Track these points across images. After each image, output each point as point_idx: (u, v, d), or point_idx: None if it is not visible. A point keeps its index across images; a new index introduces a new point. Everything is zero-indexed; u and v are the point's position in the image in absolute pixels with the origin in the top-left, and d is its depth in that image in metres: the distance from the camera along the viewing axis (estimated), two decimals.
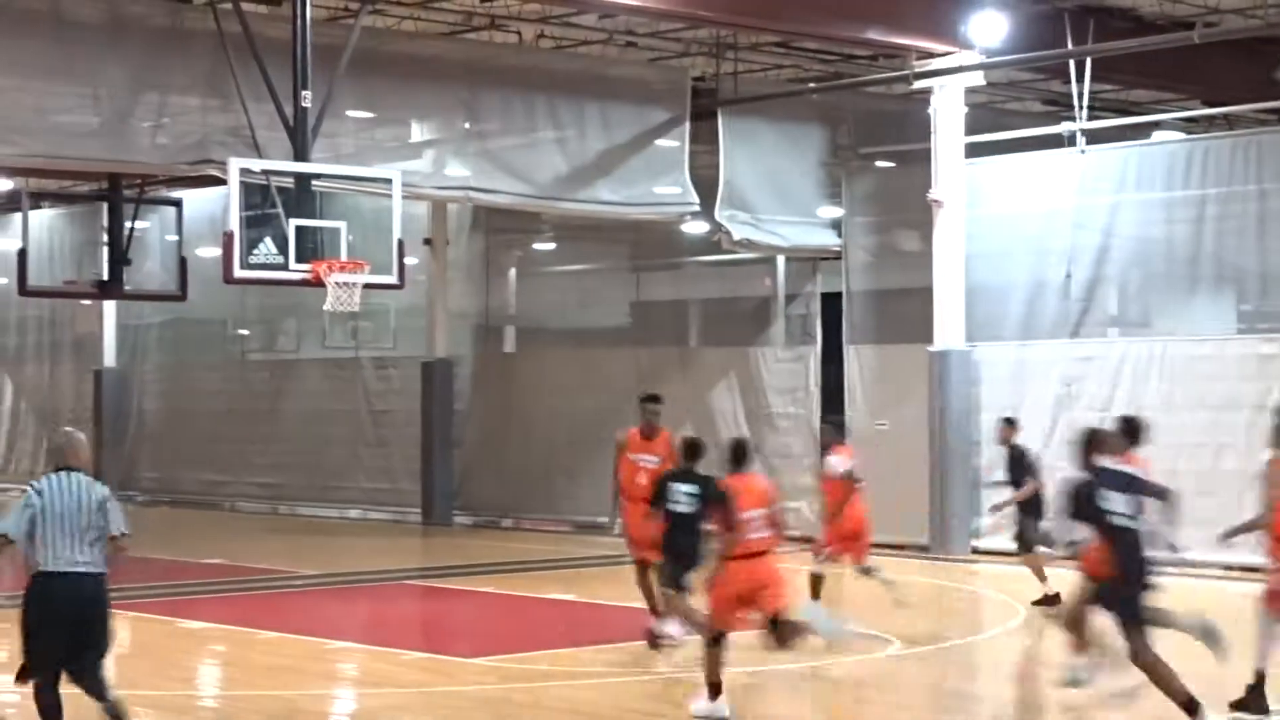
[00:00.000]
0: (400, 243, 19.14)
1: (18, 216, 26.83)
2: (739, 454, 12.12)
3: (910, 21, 22.10)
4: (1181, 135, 24.61)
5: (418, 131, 23.71)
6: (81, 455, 10.34)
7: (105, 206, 25.71)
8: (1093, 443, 11.25)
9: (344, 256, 18.45)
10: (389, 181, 19.40)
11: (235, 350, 33.62)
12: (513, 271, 30.64)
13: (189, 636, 16.34)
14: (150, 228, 28.02)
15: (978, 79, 22.91)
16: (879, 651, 14.71)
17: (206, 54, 19.90)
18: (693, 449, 12.82)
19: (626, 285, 29.13)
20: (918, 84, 22.84)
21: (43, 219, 30.86)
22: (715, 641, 11.67)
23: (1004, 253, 22.99)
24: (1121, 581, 10.97)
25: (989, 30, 21.75)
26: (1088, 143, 22.66)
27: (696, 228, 25.79)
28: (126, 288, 25.58)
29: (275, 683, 13.88)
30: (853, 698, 13.52)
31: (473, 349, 29.59)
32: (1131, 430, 13.54)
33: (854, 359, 24.33)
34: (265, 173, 18.47)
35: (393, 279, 19.20)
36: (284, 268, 18.20)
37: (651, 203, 24.23)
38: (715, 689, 11.65)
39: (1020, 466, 17.68)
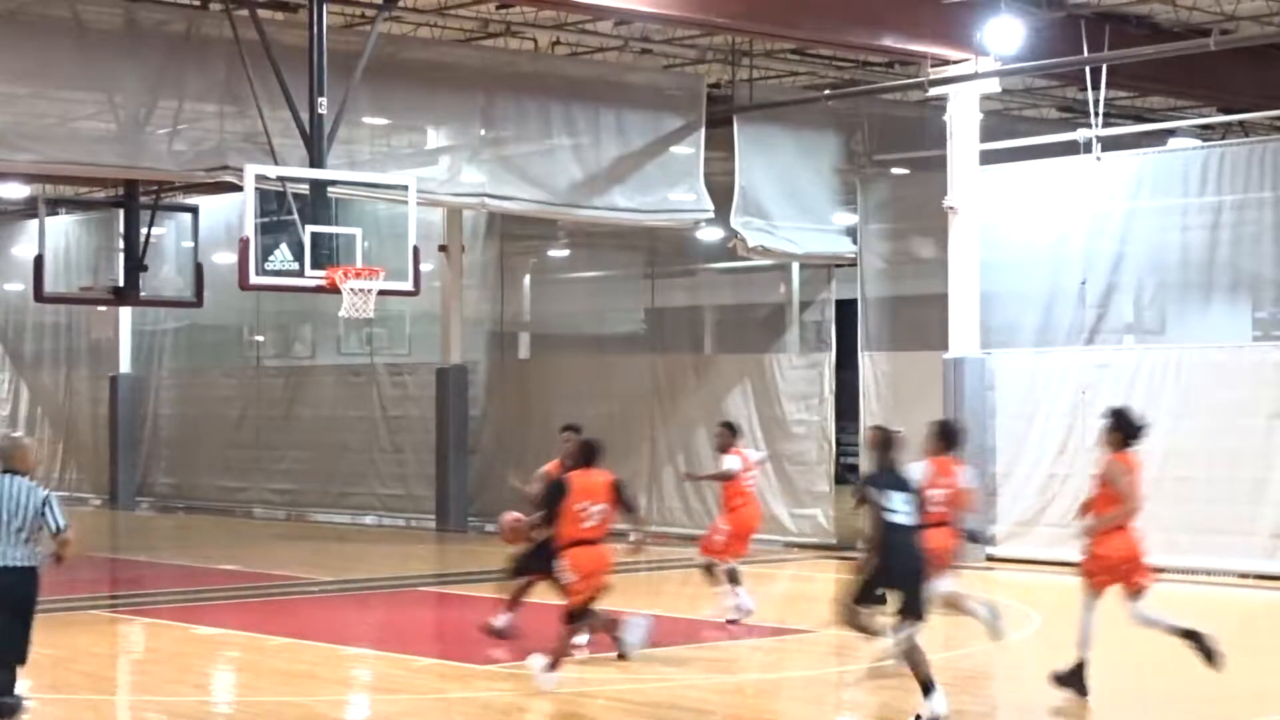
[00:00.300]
0: (416, 249, 19.16)
1: (34, 223, 26.97)
2: (587, 453, 13.41)
3: (926, 28, 22.09)
4: (1197, 142, 24.57)
5: (433, 138, 23.76)
6: (27, 460, 11.28)
7: (121, 213, 25.81)
8: (884, 443, 12.22)
9: (359, 263, 18.48)
10: (405, 188, 19.43)
11: (250, 356, 33.67)
12: (528, 278, 30.65)
13: (204, 642, 16.35)
14: (166, 234, 28.08)
15: (993, 86, 22.91)
16: (890, 660, 14.68)
17: (223, 61, 19.96)
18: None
19: (641, 292, 29.14)
20: (933, 91, 22.83)
21: (59, 225, 30.92)
22: (574, 619, 13.07)
23: (1019, 260, 22.96)
24: (887, 573, 11.79)
25: (1004, 37, 21.72)
26: (1103, 150, 22.63)
27: (711, 234, 25.80)
28: (142, 294, 25.66)
29: (290, 689, 13.89)
30: (863, 706, 13.51)
31: (487, 355, 29.60)
32: (948, 434, 14.64)
33: (869, 366, 24.32)
34: (281, 179, 18.50)
35: (408, 285, 19.23)
36: (299, 274, 18.23)
37: (666, 209, 24.25)
38: (555, 663, 13.08)
39: None
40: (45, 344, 36.71)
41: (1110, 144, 22.90)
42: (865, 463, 12.31)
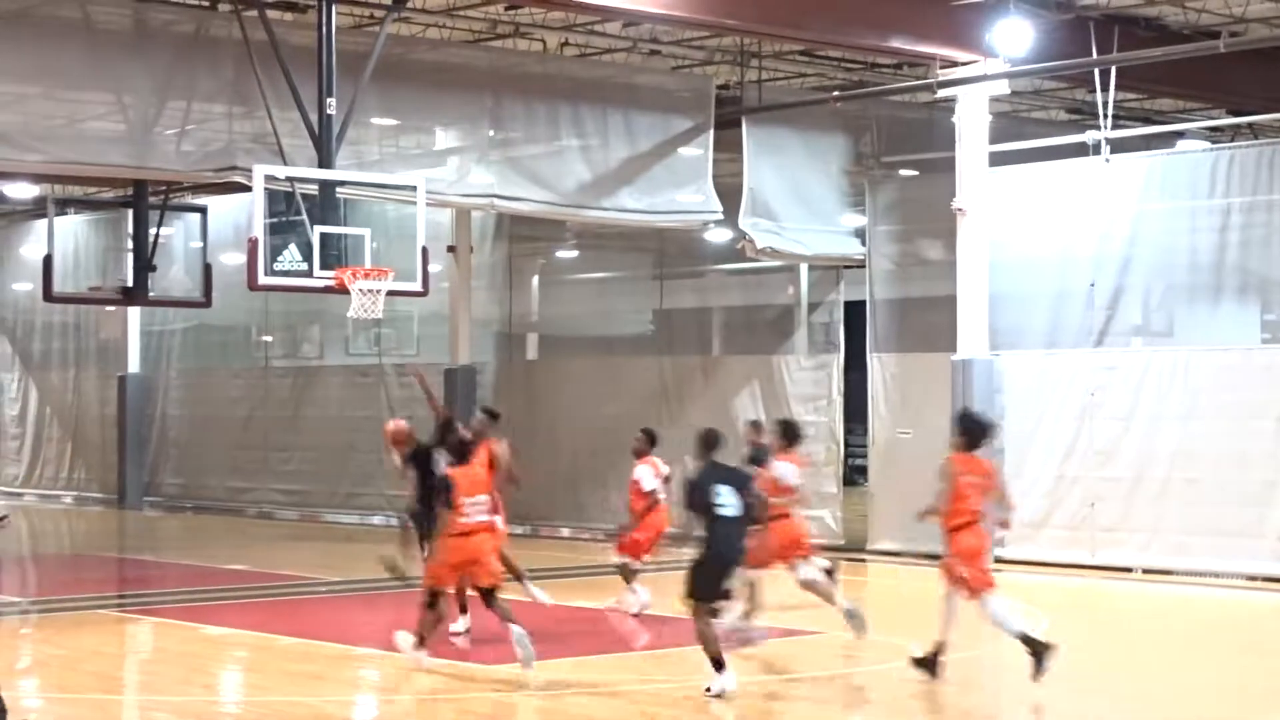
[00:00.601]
0: (424, 250, 19.16)
1: (43, 223, 27.00)
2: (460, 450, 14.31)
3: (934, 30, 22.08)
4: (1206, 144, 24.55)
5: (442, 139, 23.77)
6: None
7: (130, 213, 25.87)
8: (709, 442, 13.14)
9: (368, 263, 18.49)
10: (413, 189, 19.45)
11: (259, 357, 33.68)
12: (536, 279, 30.66)
13: (212, 642, 16.36)
14: (175, 234, 28.14)
15: (1002, 88, 22.89)
16: (899, 661, 14.68)
17: (232, 61, 19.99)
18: (455, 447, 14.61)
19: (649, 293, 29.14)
20: (942, 93, 22.82)
21: (68, 225, 30.97)
22: (432, 603, 13.84)
23: (1028, 262, 22.93)
24: (711, 564, 12.81)
25: (1013, 39, 21.70)
26: (1112, 152, 22.62)
27: (720, 236, 25.79)
28: (151, 294, 25.72)
29: (298, 689, 13.90)
30: (871, 707, 13.50)
31: (495, 356, 29.61)
32: (788, 432, 16.03)
33: (877, 367, 24.30)
34: (290, 180, 18.52)
35: (416, 286, 19.24)
36: (308, 274, 18.25)
37: (675, 210, 24.25)
38: (422, 640, 13.95)
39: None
40: (54, 344, 36.75)
41: (1119, 146, 22.89)
42: (692, 461, 13.74)
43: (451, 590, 14.34)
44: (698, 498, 12.85)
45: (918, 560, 22.13)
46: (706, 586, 12.81)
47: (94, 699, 13.51)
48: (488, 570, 13.89)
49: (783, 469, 15.64)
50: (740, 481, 13.03)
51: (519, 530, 27.13)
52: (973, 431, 13.74)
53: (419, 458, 16.30)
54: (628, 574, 17.31)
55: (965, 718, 12.49)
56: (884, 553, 23.36)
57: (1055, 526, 21.81)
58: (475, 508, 13.84)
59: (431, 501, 14.85)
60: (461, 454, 14.28)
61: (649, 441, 17.61)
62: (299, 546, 26.55)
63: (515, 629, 13.43)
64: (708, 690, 12.68)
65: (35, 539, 30.22)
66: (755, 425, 17.75)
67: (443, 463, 15.08)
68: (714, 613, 12.91)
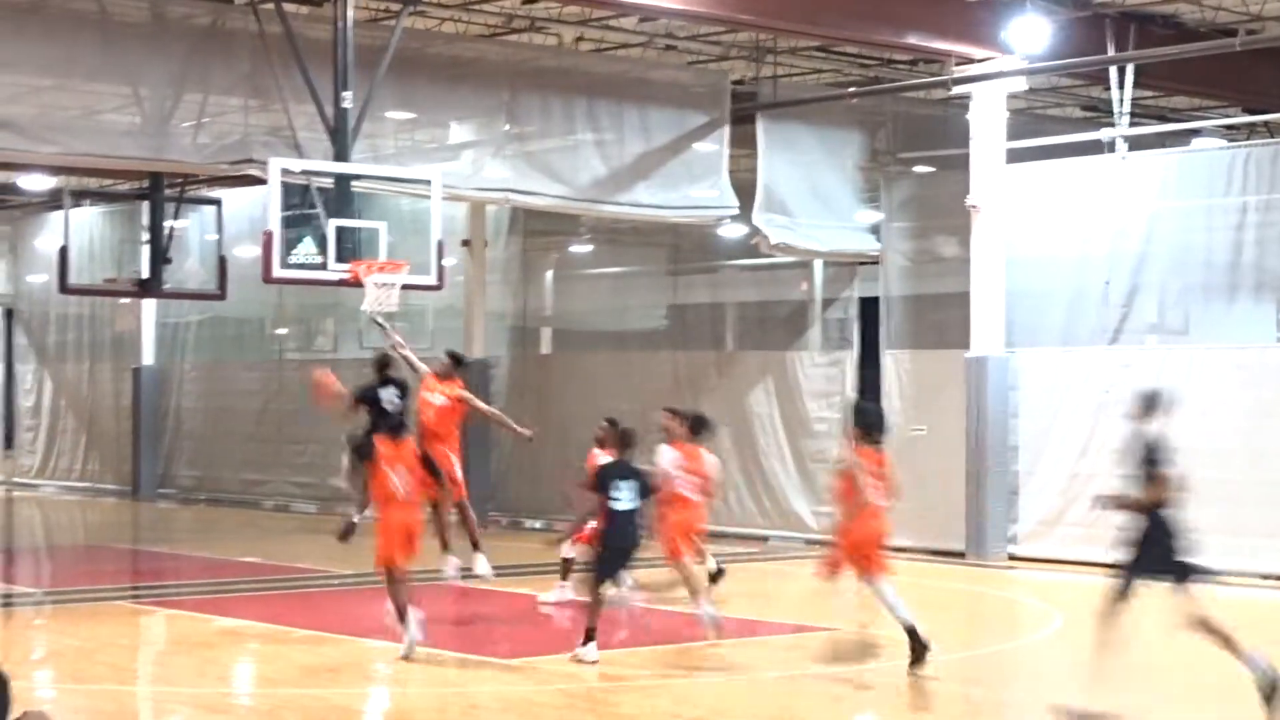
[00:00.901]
0: (439, 244, 19.17)
1: (59, 215, 27.04)
2: (394, 429, 15.21)
3: (950, 26, 22.06)
4: (1222, 142, 24.52)
5: (457, 133, 23.78)
6: None
7: (146, 205, 25.90)
8: (626, 439, 14.71)
9: (383, 257, 18.50)
10: (428, 182, 19.45)
11: (273, 350, 33.72)
12: (550, 273, 30.67)
13: (225, 634, 16.39)
14: (190, 227, 28.19)
15: (1018, 84, 22.87)
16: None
17: (248, 54, 20.00)
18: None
19: (664, 288, 29.14)
20: (957, 89, 22.82)
21: (84, 217, 30.96)
22: (390, 577, 14.62)
23: (1043, 259, 22.91)
24: (608, 552, 14.30)
25: (1029, 36, 21.68)
26: (1128, 149, 22.60)
27: (734, 231, 25.79)
28: (166, 286, 25.74)
29: (312, 682, 13.92)
30: (886, 704, 13.50)
31: (509, 350, 29.63)
32: (696, 424, 16.74)
33: (891, 364, 24.28)
34: (305, 173, 18.53)
35: (431, 280, 19.25)
36: (323, 268, 18.27)
37: (689, 206, 24.25)
38: (402, 612, 14.55)
39: None
40: (69, 335, 36.81)
41: (1135, 143, 22.87)
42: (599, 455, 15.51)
43: (403, 564, 14.79)
44: (599, 487, 14.32)
45: (931, 557, 22.14)
46: (601, 570, 14.38)
47: (108, 689, 13.54)
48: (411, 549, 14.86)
49: (672, 457, 16.20)
50: (641, 477, 14.40)
51: (536, 525, 27.24)
52: (869, 423, 14.24)
53: (367, 397, 17.64)
54: (569, 567, 17.63)
55: (976, 714, 12.47)
56: (897, 548, 23.29)
57: (1069, 524, 21.78)
58: (402, 480, 14.68)
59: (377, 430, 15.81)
60: (393, 434, 15.09)
61: (613, 431, 17.64)
62: (313, 539, 26.55)
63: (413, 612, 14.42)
64: (574, 657, 14.02)
65: (49, 530, 30.29)
66: (673, 412, 17.91)
67: (394, 397, 17.12)
68: (603, 592, 14.32)
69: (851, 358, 24.95)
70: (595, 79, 23.69)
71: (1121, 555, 12.18)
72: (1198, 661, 12.81)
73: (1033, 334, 22.77)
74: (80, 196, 29.44)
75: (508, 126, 22.95)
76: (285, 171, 18.24)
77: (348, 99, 18.75)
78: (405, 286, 18.71)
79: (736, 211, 24.24)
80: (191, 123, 20.43)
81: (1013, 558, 22.16)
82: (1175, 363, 21.28)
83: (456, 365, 18.52)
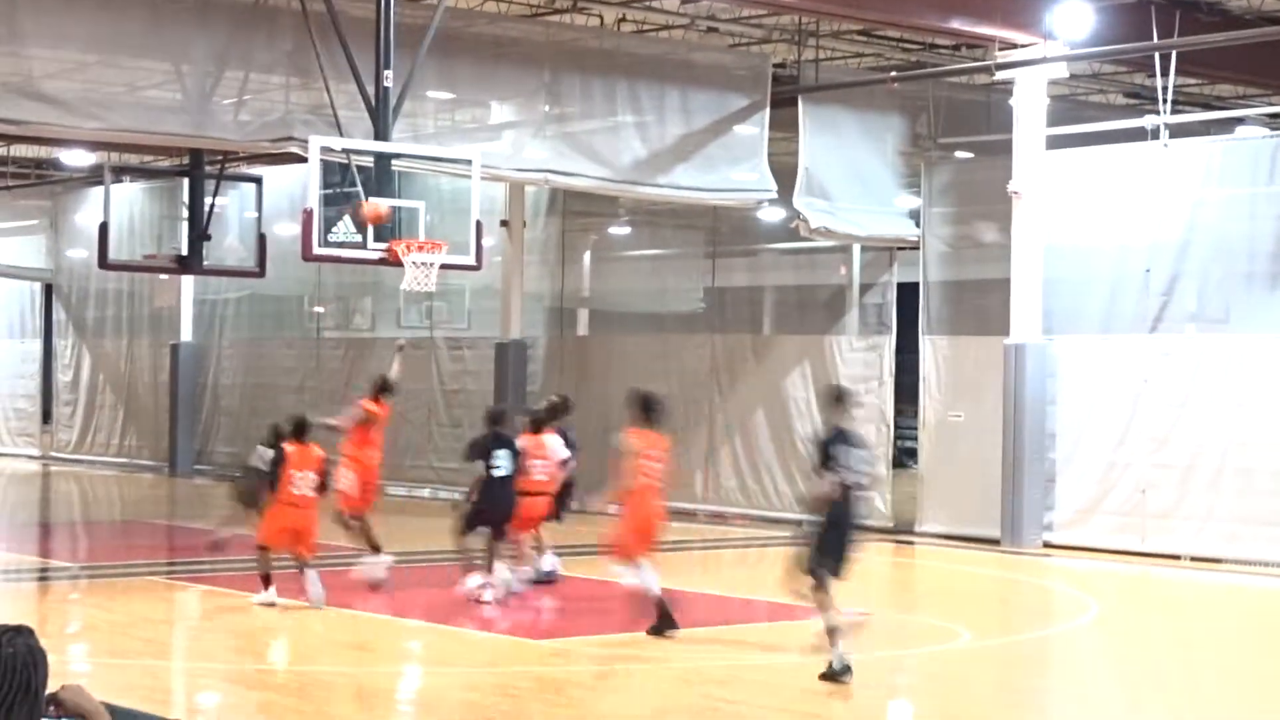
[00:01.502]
0: (479, 224, 19.17)
1: (100, 190, 27.14)
2: (298, 429, 16.43)
3: (994, 12, 21.97)
4: (1266, 131, 24.36)
5: (498, 113, 23.78)
6: None
7: (186, 182, 25.96)
8: (494, 417, 16.87)
9: (422, 236, 18.52)
10: (469, 162, 19.44)
11: (311, 328, 33.80)
12: (588, 255, 30.65)
13: (259, 612, 16.42)
14: (230, 204, 28.23)
15: (1060, 71, 22.76)
16: (948, 644, 14.67)
17: (290, 32, 20.04)
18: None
19: (702, 271, 29.09)
20: (1000, 75, 22.71)
21: (124, 193, 31.10)
22: (262, 550, 16.05)
23: (1083, 246, 22.80)
24: (488, 512, 16.27)
25: (1073, 22, 21.57)
26: (1171, 137, 22.47)
27: (774, 214, 25.73)
28: (205, 263, 25.81)
29: (345, 659, 13.96)
30: (921, 690, 13.49)
31: (546, 331, 29.64)
32: (554, 411, 17.94)
33: (929, 350, 24.21)
34: (346, 151, 18.55)
35: (470, 260, 19.24)
36: (362, 246, 18.28)
37: (729, 189, 24.22)
38: (266, 580, 16.03)
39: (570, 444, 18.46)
40: (108, 311, 36.96)
41: (1178, 131, 22.72)
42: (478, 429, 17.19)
43: (275, 550, 16.08)
44: (478, 454, 16.23)
45: (967, 544, 22.10)
46: (468, 525, 16.46)
47: (144, 664, 13.60)
48: (308, 544, 16.04)
49: (552, 441, 17.24)
50: (514, 448, 16.30)
51: (575, 505, 27.23)
52: (647, 408, 14.61)
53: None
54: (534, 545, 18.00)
55: (1014, 706, 12.42)
56: (933, 535, 23.31)
57: (1106, 512, 21.73)
58: (304, 482, 15.82)
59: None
60: (297, 433, 16.35)
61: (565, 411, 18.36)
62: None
63: (309, 573, 15.73)
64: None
65: (86, 505, 30.43)
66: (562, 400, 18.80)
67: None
68: (470, 548, 16.40)
69: (889, 343, 24.90)
70: (637, 60, 23.66)
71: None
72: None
73: (1072, 321, 22.67)
74: (121, 172, 29.57)
75: (548, 107, 22.95)
76: (326, 150, 18.26)
77: (389, 78, 18.73)
78: (444, 266, 18.71)
79: (776, 195, 24.19)
80: (233, 100, 20.47)
81: (1048, 545, 22.09)
82: (1214, 352, 21.19)
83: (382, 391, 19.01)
